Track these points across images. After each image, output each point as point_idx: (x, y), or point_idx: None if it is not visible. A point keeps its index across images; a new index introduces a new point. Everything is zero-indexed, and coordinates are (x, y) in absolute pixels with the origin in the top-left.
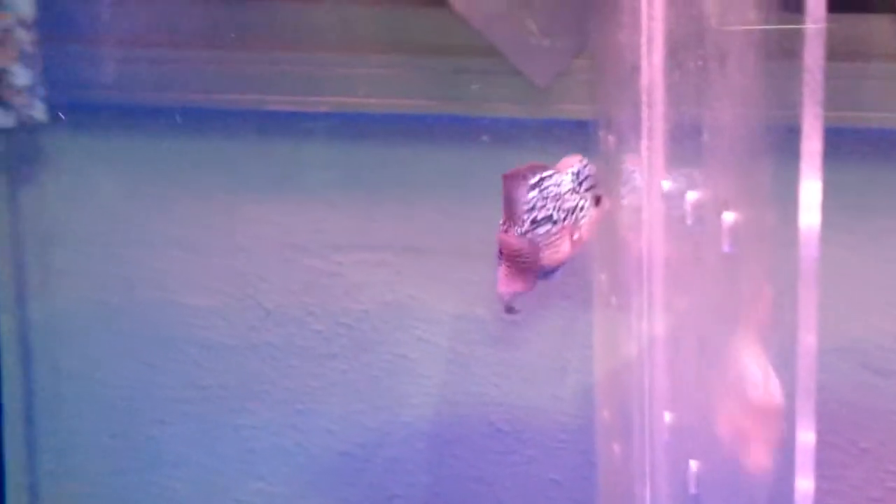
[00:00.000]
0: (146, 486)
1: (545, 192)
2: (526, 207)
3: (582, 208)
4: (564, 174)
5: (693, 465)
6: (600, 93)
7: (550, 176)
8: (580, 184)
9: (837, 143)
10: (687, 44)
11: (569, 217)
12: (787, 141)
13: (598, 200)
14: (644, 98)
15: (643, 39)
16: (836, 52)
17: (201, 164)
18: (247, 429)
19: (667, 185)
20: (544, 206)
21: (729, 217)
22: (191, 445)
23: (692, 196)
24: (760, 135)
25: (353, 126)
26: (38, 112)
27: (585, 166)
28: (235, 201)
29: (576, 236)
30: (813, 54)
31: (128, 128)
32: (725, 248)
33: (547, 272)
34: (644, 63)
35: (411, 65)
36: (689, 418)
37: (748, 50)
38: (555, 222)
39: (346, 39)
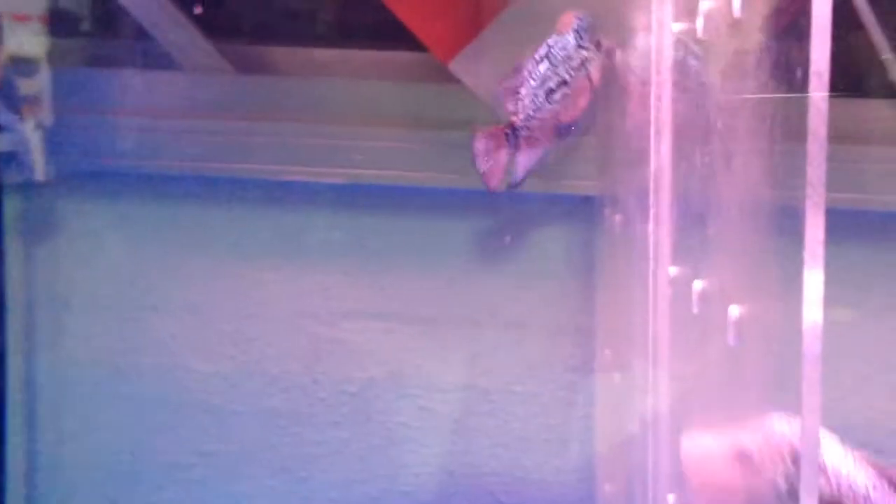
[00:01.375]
0: None
1: (554, 59)
2: (537, 83)
3: (590, 59)
4: (568, 35)
5: None
6: (607, 172)
7: (556, 42)
8: (582, 38)
9: (845, 224)
10: (693, 136)
11: (579, 72)
12: (793, 238)
13: (598, 45)
14: (651, 185)
15: (652, 130)
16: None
17: (212, 231)
18: (247, 497)
19: (673, 270)
20: (556, 72)
21: (735, 311)
22: None
23: (699, 285)
24: (765, 229)
25: (364, 197)
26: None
27: (583, 20)
28: (245, 268)
29: (588, 85)
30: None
31: (141, 194)
32: (731, 341)
33: (569, 126)
34: (652, 151)
35: (422, 138)
36: (692, 502)
37: (752, 146)
38: (568, 83)
39: (358, 113)
